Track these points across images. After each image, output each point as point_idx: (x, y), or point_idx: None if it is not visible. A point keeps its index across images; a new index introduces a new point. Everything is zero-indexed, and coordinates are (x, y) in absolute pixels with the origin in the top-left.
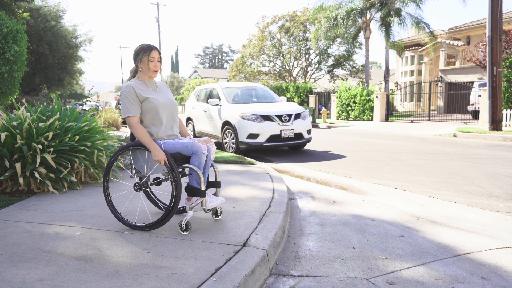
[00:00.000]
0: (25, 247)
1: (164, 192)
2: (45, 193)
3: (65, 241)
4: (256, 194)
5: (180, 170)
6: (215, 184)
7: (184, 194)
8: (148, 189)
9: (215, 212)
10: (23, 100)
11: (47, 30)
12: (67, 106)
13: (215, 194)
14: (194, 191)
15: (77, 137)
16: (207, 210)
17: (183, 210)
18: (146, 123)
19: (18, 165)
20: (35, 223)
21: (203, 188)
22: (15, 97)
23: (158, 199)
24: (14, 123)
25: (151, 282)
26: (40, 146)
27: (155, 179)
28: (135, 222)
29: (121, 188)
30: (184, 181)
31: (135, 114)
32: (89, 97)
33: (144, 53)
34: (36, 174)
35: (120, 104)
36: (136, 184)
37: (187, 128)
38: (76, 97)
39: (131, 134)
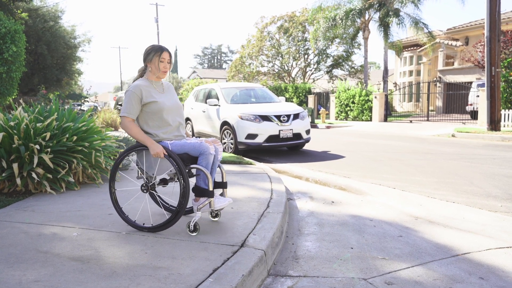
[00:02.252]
0: (22, 248)
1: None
2: (43, 193)
3: (62, 241)
4: (255, 195)
5: (187, 170)
6: (222, 185)
7: (191, 195)
8: (154, 191)
9: (215, 214)
10: (21, 101)
11: (46, 31)
12: (65, 107)
13: (221, 194)
14: (202, 192)
15: (75, 138)
16: (216, 211)
17: (189, 211)
18: (152, 125)
19: (15, 166)
20: (32, 223)
21: (211, 188)
22: (13, 97)
23: (162, 200)
24: (12, 123)
25: (148, 283)
26: (37, 146)
27: (161, 180)
28: (143, 224)
29: (119, 189)
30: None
31: (131, 116)
32: (87, 97)
33: (155, 53)
34: (34, 175)
35: (119, 105)
36: (144, 185)
37: (185, 128)
38: (74, 98)
39: None
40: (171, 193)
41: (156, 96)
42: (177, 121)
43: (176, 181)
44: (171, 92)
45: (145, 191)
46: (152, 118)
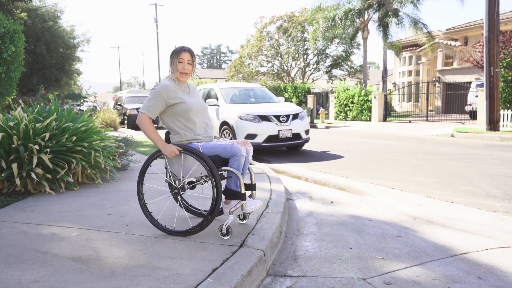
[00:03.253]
0: (21, 248)
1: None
2: (42, 193)
3: (61, 242)
4: None
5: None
6: (251, 187)
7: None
8: (182, 194)
9: (243, 216)
10: (20, 101)
11: (45, 31)
12: (64, 107)
13: (250, 196)
14: (233, 195)
15: (74, 138)
16: (247, 213)
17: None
18: (180, 126)
19: (14, 166)
20: (31, 224)
21: (243, 191)
22: (12, 97)
23: (186, 202)
24: (11, 123)
25: (148, 283)
26: (36, 146)
27: (189, 183)
28: (173, 228)
29: (118, 189)
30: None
31: (149, 114)
32: (87, 98)
33: (175, 54)
34: (33, 175)
35: (118, 105)
36: (175, 188)
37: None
38: (74, 98)
39: (166, 136)
40: (189, 195)
41: (184, 97)
42: (204, 122)
43: (202, 184)
44: (196, 93)
45: (176, 194)
46: (179, 119)
